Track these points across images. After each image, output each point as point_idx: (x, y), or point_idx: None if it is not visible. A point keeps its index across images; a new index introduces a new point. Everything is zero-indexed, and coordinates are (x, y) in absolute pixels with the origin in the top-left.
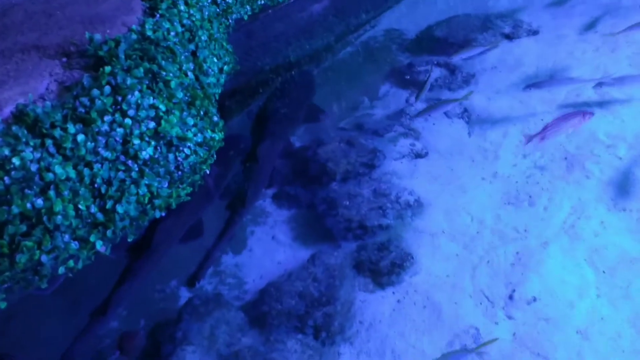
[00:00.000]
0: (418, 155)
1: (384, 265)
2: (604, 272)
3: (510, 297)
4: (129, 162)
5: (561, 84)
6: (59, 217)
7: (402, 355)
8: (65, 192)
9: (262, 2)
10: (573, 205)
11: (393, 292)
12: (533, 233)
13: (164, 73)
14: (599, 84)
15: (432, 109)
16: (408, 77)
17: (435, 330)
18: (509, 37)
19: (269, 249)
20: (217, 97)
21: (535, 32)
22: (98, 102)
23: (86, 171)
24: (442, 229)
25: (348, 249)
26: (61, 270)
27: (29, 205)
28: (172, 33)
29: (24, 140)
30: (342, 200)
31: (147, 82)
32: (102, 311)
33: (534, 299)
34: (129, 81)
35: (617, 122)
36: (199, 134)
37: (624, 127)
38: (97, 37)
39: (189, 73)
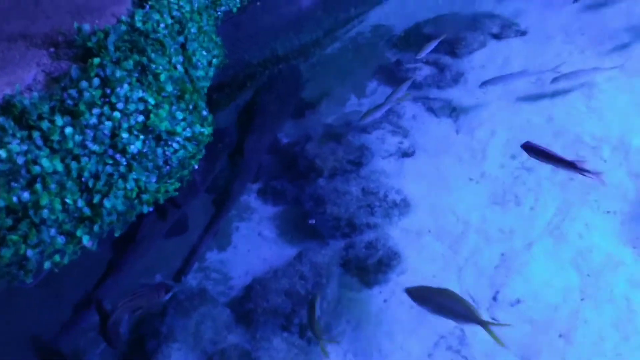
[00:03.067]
0: (405, 154)
1: (371, 264)
2: (588, 275)
3: (494, 299)
4: (117, 156)
5: (515, 78)
6: (46, 211)
7: (389, 355)
8: (52, 186)
9: None
10: (558, 207)
11: (380, 292)
12: (518, 234)
13: (153, 66)
14: (556, 79)
15: (375, 110)
16: (412, 75)
17: (422, 331)
18: (497, 36)
19: (254, 245)
20: (206, 91)
21: (523, 33)
22: (86, 95)
23: (73, 164)
24: (429, 228)
25: (335, 247)
26: (47, 265)
27: (15, 198)
28: (162, 25)
29: (10, 132)
30: (330, 198)
31: (136, 75)
32: (86, 304)
33: (518, 301)
34: (118, 73)
35: (602, 124)
36: (188, 129)
37: (609, 129)
38: (86, 27)
39: (179, 66)
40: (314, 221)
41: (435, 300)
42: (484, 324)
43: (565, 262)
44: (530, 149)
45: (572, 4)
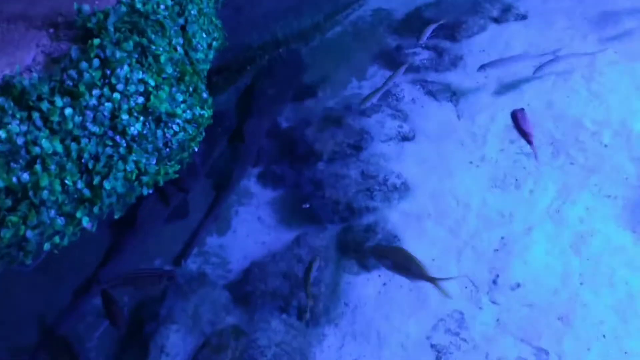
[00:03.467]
0: (405, 138)
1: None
2: (588, 259)
3: (494, 282)
4: (117, 138)
5: (514, 62)
6: (45, 192)
7: (387, 338)
8: (52, 167)
9: None
10: (558, 190)
11: (379, 275)
12: (518, 218)
13: (153, 47)
14: (540, 68)
15: (374, 95)
16: (410, 59)
17: (420, 314)
18: (497, 20)
19: (253, 230)
20: (206, 74)
21: (523, 17)
22: (86, 76)
23: (73, 146)
24: (429, 212)
25: (334, 231)
26: (46, 246)
27: (14, 179)
28: (162, 6)
29: (10, 112)
30: (329, 182)
31: (136, 56)
32: (86, 289)
33: (518, 285)
34: (118, 55)
35: (603, 108)
36: (188, 111)
37: (609, 114)
38: (86, 8)
39: (179, 48)
40: (308, 205)
41: (390, 257)
42: (432, 280)
43: (565, 246)
44: (513, 116)
45: None
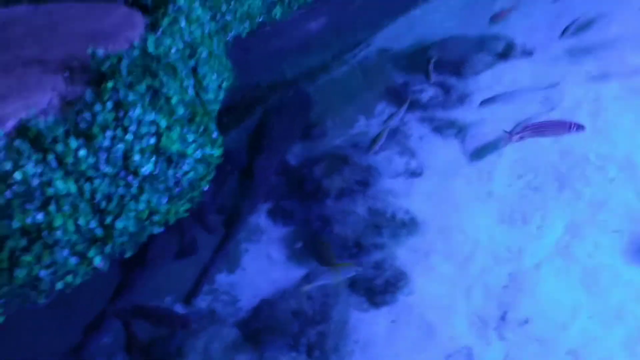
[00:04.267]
0: (413, 174)
1: (378, 284)
2: (596, 294)
3: (503, 318)
4: (129, 178)
5: (514, 96)
6: (59, 232)
7: None
8: (66, 207)
9: (261, 19)
10: (566, 226)
11: (388, 312)
12: (526, 253)
13: (165, 89)
14: (485, 102)
15: (382, 135)
16: (414, 96)
17: (429, 351)
18: (503, 57)
19: (263, 267)
20: (216, 113)
21: (529, 53)
22: (100, 118)
23: (87, 186)
24: (437, 248)
25: None
26: (59, 285)
27: (29, 219)
28: (174, 49)
29: (26, 154)
30: (337, 218)
31: (148, 98)
32: (96, 326)
33: (526, 321)
34: (130, 97)
35: (608, 143)
36: (199, 150)
37: (615, 148)
38: (100, 52)
39: (190, 89)
40: (301, 244)
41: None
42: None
43: (574, 281)
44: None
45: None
